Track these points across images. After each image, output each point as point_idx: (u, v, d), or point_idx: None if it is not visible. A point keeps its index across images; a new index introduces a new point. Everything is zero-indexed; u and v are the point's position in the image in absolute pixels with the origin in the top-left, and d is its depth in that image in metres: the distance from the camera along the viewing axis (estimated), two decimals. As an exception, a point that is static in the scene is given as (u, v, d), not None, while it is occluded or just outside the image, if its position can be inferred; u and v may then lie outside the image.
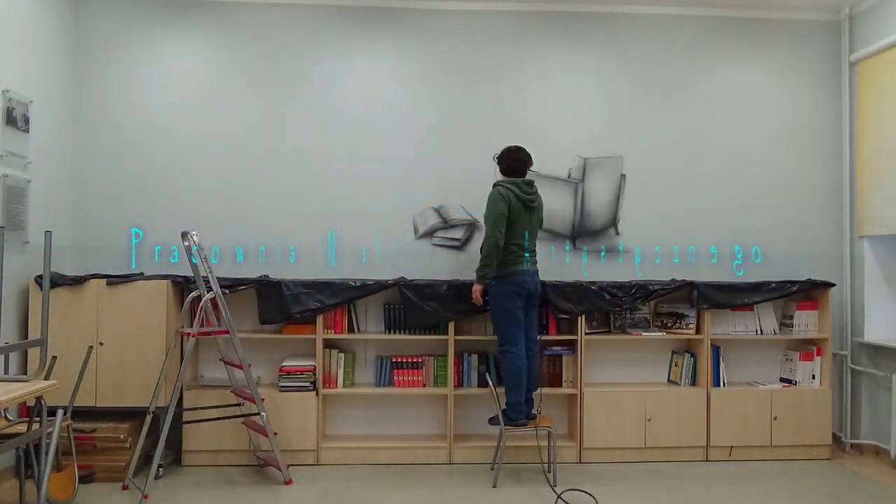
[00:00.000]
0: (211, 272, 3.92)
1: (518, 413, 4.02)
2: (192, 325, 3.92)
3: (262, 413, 3.91)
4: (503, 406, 4.06)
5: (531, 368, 4.13)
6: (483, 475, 4.15)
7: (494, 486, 3.95)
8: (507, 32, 4.85)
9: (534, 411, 4.16)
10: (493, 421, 4.13)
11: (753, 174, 4.93)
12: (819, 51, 4.99)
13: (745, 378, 4.82)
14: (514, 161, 4.16)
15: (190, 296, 4.13)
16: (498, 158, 4.24)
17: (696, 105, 4.92)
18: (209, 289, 3.97)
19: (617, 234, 4.85)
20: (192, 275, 4.07)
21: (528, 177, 4.23)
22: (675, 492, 3.90)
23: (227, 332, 4.00)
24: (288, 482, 3.96)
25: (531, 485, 3.99)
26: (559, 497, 3.76)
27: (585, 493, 3.84)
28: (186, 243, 3.96)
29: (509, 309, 4.01)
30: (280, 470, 3.95)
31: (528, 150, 4.54)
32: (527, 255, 4.07)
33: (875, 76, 4.65)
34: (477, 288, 4.11)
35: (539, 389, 4.30)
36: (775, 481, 4.09)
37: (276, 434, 4.04)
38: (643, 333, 4.58)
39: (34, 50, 4.20)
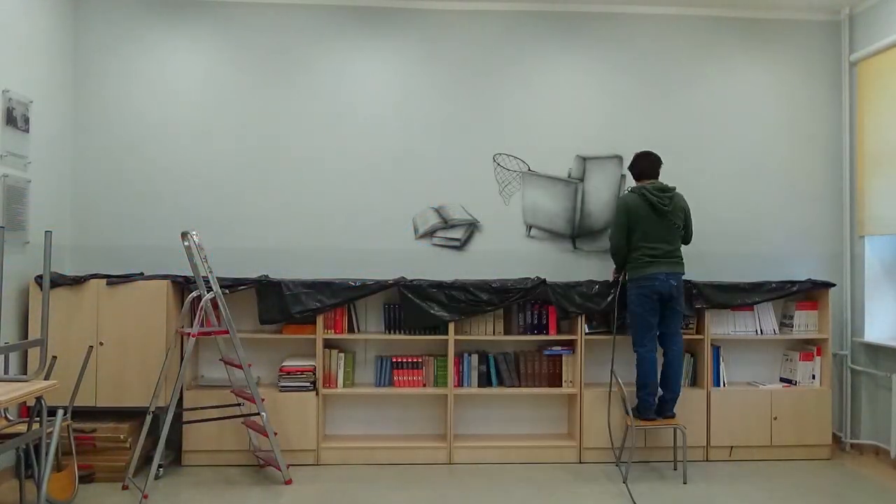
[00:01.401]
0: (211, 272, 3.92)
1: (646, 409, 4.12)
2: (192, 325, 3.92)
3: (263, 413, 3.91)
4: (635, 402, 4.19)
5: (670, 368, 4.17)
6: (611, 474, 4.15)
7: (625, 482, 4.02)
8: (507, 32, 4.85)
9: (672, 411, 4.20)
10: (628, 411, 4.25)
11: (753, 174, 4.93)
12: (819, 51, 4.99)
13: (745, 378, 4.82)
14: (644, 164, 4.25)
15: (190, 296, 4.14)
16: (630, 165, 4.35)
17: (696, 105, 4.92)
18: (209, 289, 3.97)
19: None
20: (192, 275, 4.07)
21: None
22: (675, 491, 3.90)
23: (227, 332, 4.00)
24: (288, 482, 3.96)
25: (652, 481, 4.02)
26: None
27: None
28: (186, 243, 3.96)
29: (637, 311, 4.12)
30: (280, 470, 3.95)
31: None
32: (659, 259, 4.10)
33: (875, 76, 4.65)
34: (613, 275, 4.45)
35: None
36: (775, 481, 4.09)
37: (276, 434, 4.04)
38: (643, 333, 4.58)
39: (34, 50, 4.20)
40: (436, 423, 4.68)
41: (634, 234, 4.14)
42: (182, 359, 4.00)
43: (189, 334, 3.84)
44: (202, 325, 3.99)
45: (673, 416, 4.19)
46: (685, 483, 4.04)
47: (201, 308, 3.87)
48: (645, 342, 4.12)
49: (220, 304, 3.94)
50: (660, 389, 4.19)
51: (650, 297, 4.09)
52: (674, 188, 4.19)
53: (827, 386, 4.57)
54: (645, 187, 4.15)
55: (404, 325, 4.48)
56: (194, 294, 4.12)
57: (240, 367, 3.97)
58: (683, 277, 4.26)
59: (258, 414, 3.95)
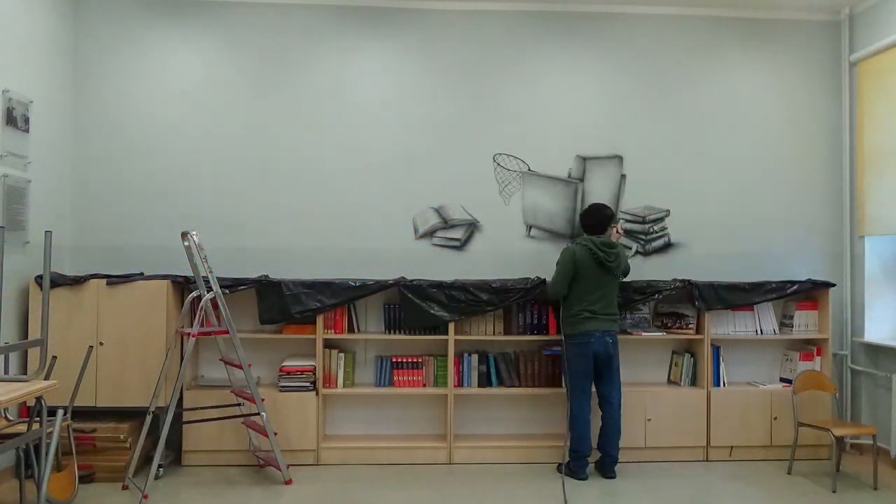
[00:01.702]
0: (211, 272, 3.92)
1: (579, 467, 4.08)
2: (192, 325, 3.92)
3: (263, 413, 3.91)
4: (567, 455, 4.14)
5: (608, 429, 4.10)
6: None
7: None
8: (507, 32, 4.85)
9: (613, 472, 4.13)
10: (559, 468, 4.22)
11: (753, 174, 4.93)
12: (819, 51, 4.99)
13: (745, 378, 4.82)
14: (596, 219, 4.22)
15: (190, 296, 4.13)
16: (581, 214, 4.33)
17: (696, 105, 4.91)
18: (209, 289, 3.97)
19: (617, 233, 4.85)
20: (192, 275, 4.06)
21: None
22: (676, 492, 3.90)
23: (227, 332, 4.00)
24: (288, 482, 3.96)
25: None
26: None
27: None
28: (186, 243, 3.96)
29: (573, 368, 4.09)
30: (280, 470, 3.95)
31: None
32: (597, 315, 4.06)
33: (875, 76, 4.64)
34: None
35: (517, 389, 4.30)
36: (775, 481, 4.09)
37: (276, 434, 4.04)
38: (643, 333, 4.58)
39: (34, 50, 4.20)
40: (436, 423, 4.68)
41: (577, 286, 4.08)
42: (182, 359, 4.00)
43: (189, 334, 3.84)
44: (202, 325, 3.99)
45: (614, 477, 4.11)
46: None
47: (201, 308, 3.87)
48: (580, 399, 4.08)
49: (220, 304, 3.94)
50: (597, 451, 4.15)
51: (586, 355, 4.04)
52: (617, 245, 4.14)
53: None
54: (593, 240, 4.09)
55: (404, 325, 4.48)
56: (194, 294, 4.12)
57: (240, 367, 3.97)
58: (684, 278, 4.27)
59: (258, 414, 3.95)
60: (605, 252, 4.07)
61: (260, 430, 3.99)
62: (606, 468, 4.11)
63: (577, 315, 4.07)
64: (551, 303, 4.34)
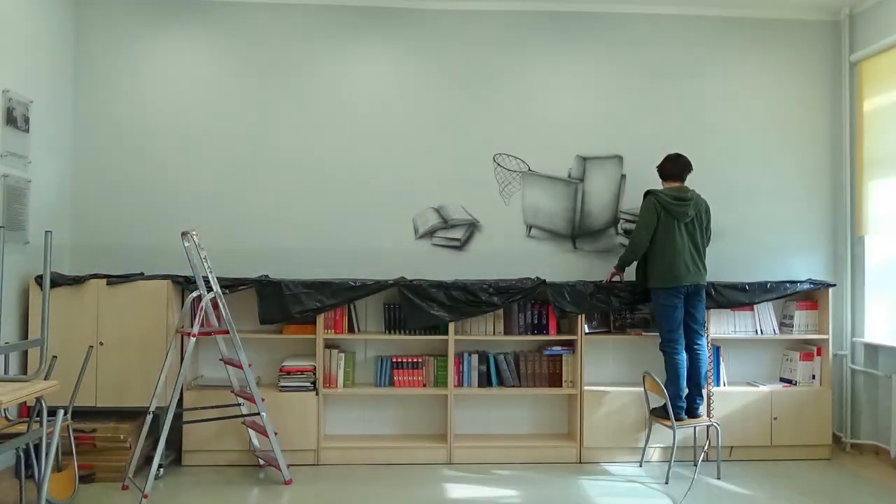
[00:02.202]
0: (211, 272, 3.93)
1: (677, 408, 4.11)
2: (192, 325, 3.92)
3: (263, 413, 3.91)
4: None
5: (694, 365, 4.19)
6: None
7: (667, 482, 4.02)
8: (507, 32, 4.85)
9: (699, 409, 4.21)
10: (655, 412, 4.22)
11: (753, 173, 4.93)
12: (819, 51, 4.99)
13: (745, 378, 4.82)
14: (676, 165, 4.29)
15: (190, 296, 4.13)
16: (665, 160, 4.37)
17: (696, 105, 4.91)
18: (209, 289, 3.97)
19: (617, 233, 4.85)
20: (193, 275, 4.06)
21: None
22: (675, 492, 3.90)
23: (227, 332, 4.00)
24: (288, 482, 3.96)
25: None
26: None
27: None
28: (187, 243, 3.96)
29: (666, 318, 4.16)
30: (280, 470, 3.95)
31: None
32: (686, 265, 4.13)
33: (875, 76, 4.65)
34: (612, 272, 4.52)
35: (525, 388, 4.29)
36: (775, 481, 4.09)
37: (276, 434, 4.04)
38: (643, 333, 4.58)
39: (34, 50, 4.20)
40: (436, 423, 4.68)
41: (660, 236, 4.16)
42: (182, 359, 3.99)
43: (189, 334, 3.84)
44: (202, 326, 3.98)
45: (696, 415, 4.18)
46: (718, 478, 4.09)
47: (201, 308, 3.87)
48: (678, 350, 4.14)
49: (220, 303, 3.94)
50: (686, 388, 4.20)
51: (676, 306, 4.14)
52: (690, 193, 4.20)
53: (827, 386, 4.57)
54: (666, 192, 4.18)
55: (404, 325, 4.48)
56: (195, 294, 4.12)
57: (240, 366, 3.97)
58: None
59: (258, 414, 3.95)
60: (679, 203, 4.15)
61: (260, 430, 3.99)
62: (696, 402, 4.18)
63: (666, 266, 4.12)
64: (633, 259, 4.30)
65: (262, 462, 4.20)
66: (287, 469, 3.99)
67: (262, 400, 4.01)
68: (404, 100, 4.79)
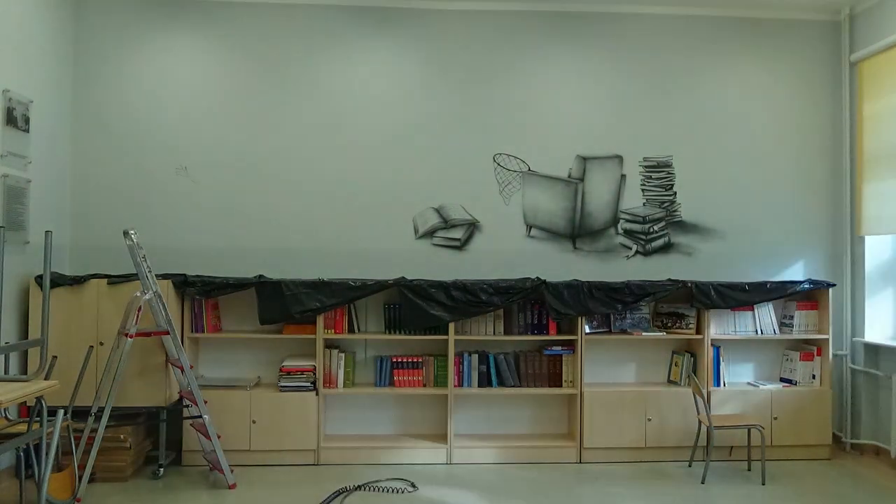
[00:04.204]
0: (150, 271, 3.81)
1: None
2: (127, 325, 3.80)
3: (205, 416, 3.86)
4: None
5: None
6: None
7: (703, 482, 4.01)
8: (507, 32, 4.85)
9: None
10: None
11: (753, 173, 4.93)
12: (819, 51, 4.99)
13: (745, 378, 4.82)
14: None
15: (133, 295, 3.94)
16: None
17: (696, 105, 4.91)
18: (150, 288, 3.84)
19: (617, 234, 4.85)
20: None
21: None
22: (676, 491, 3.90)
23: (167, 333, 3.92)
24: (232, 486, 3.89)
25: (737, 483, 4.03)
26: None
27: None
28: (128, 242, 3.79)
29: None
30: (224, 474, 3.88)
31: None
32: None
33: (875, 76, 4.64)
34: None
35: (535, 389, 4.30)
36: (775, 481, 4.09)
37: (219, 437, 3.97)
38: (643, 333, 4.58)
39: (34, 50, 4.20)
40: (436, 423, 4.68)
41: None
42: (120, 359, 3.79)
43: (127, 335, 3.75)
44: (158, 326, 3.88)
45: None
46: (763, 483, 4.05)
47: (139, 308, 3.76)
48: None
49: (160, 304, 3.84)
50: None
51: None
52: None
53: (827, 386, 4.57)
54: None
55: (404, 325, 4.48)
56: (138, 293, 3.92)
57: (181, 368, 3.90)
58: (682, 278, 4.24)
59: (200, 417, 3.89)
60: None
61: (204, 433, 3.93)
62: None
63: None
64: None
65: (210, 465, 4.13)
66: (231, 473, 3.91)
67: (205, 402, 3.93)
68: (405, 100, 4.79)
